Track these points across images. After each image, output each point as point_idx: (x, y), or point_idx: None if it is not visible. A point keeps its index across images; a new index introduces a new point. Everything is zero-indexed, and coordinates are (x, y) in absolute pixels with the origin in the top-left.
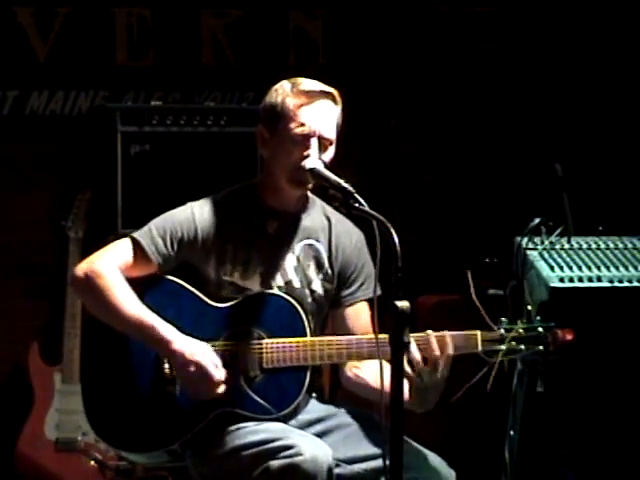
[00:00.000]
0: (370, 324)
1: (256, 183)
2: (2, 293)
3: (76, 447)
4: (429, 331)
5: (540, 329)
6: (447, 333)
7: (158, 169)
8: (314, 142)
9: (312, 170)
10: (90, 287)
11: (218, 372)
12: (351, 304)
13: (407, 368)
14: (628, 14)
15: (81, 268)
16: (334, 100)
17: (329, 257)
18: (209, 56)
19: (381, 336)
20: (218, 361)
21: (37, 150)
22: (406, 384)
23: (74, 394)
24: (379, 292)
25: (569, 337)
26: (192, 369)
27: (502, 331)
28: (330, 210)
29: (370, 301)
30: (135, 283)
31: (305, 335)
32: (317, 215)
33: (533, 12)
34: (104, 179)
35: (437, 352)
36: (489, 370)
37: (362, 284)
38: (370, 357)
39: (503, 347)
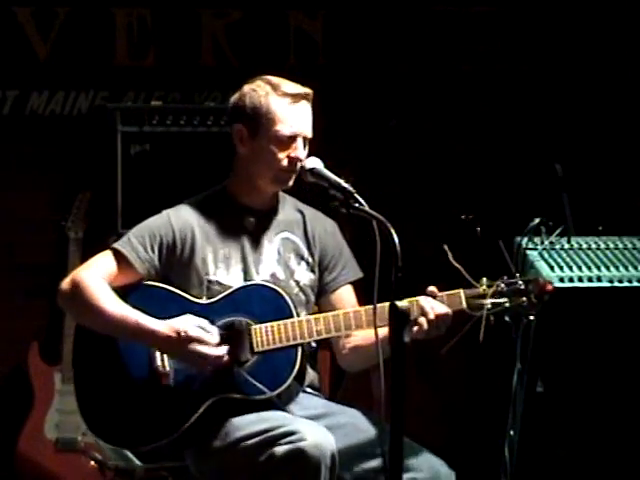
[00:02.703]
0: (357, 306)
1: (225, 185)
2: (2, 293)
3: (76, 447)
4: (418, 297)
5: (520, 282)
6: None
7: (158, 169)
8: (300, 142)
9: (312, 170)
10: (74, 297)
11: (210, 337)
12: (335, 289)
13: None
14: (628, 14)
15: (65, 282)
16: (310, 100)
17: (308, 247)
18: (209, 56)
19: (372, 306)
20: (204, 322)
21: (37, 150)
22: None
23: (74, 394)
24: (360, 275)
25: (549, 287)
26: (188, 347)
27: (484, 287)
28: (301, 204)
29: (353, 284)
30: (118, 292)
31: (292, 317)
32: (290, 209)
33: (532, 12)
34: (104, 179)
35: (431, 315)
36: (478, 322)
37: (343, 268)
38: (358, 327)
39: (487, 302)
